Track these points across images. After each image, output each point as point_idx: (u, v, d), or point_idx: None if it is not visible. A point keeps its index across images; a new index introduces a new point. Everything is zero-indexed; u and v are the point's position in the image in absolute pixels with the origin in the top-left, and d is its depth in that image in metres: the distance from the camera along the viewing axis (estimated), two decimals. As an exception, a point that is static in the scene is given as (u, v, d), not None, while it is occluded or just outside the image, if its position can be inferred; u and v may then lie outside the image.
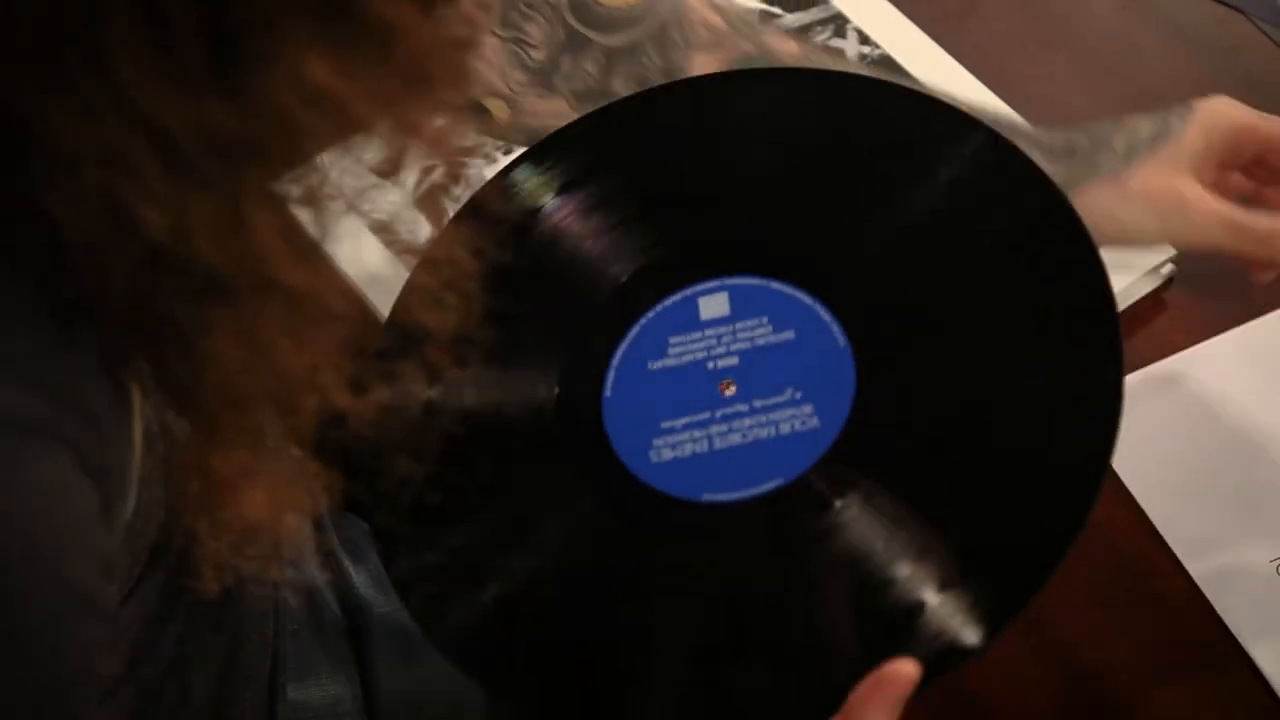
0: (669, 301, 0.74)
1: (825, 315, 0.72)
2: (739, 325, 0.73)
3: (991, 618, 0.65)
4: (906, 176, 0.73)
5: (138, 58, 0.49)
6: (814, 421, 0.70)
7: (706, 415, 0.72)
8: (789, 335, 0.72)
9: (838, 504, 0.68)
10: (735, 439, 0.71)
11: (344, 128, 0.54)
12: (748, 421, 0.71)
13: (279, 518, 0.61)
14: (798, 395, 0.71)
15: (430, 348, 0.68)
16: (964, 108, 0.76)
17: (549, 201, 0.78)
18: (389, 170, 0.57)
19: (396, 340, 0.72)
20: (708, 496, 0.70)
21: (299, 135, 0.52)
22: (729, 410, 0.72)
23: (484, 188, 0.79)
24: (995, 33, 1.08)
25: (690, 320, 0.74)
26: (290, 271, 0.54)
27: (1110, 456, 0.64)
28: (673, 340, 0.74)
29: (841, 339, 0.71)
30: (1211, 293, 0.97)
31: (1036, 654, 0.84)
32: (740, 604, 0.68)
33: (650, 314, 0.74)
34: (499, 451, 0.74)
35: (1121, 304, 0.96)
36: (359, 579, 0.88)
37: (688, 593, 0.69)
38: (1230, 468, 0.89)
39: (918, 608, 0.65)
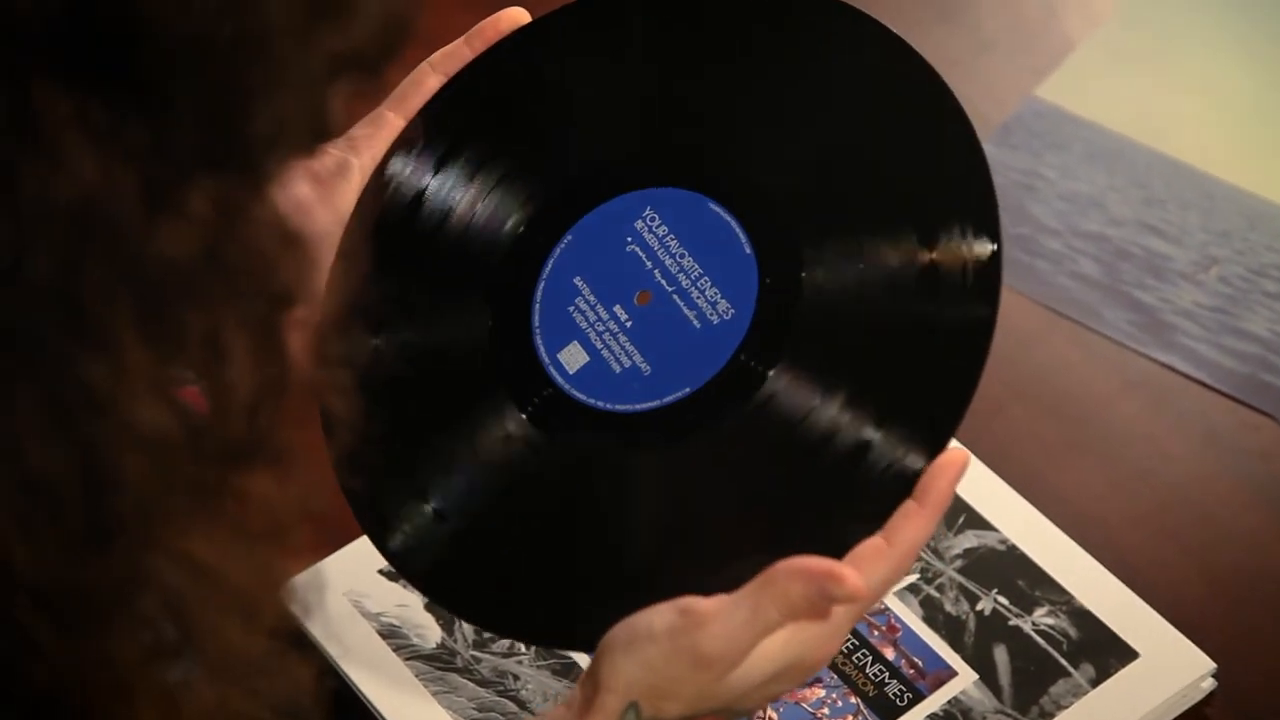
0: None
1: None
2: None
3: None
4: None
5: (20, 534, 0.51)
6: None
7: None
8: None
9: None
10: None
11: (210, 589, 0.56)
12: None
13: None
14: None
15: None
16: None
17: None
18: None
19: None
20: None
21: (175, 598, 0.54)
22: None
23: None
24: (1021, 435, 1.07)
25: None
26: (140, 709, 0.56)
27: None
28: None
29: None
30: (1257, 708, 0.94)
31: None
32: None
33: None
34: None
35: (1160, 720, 0.93)
36: None
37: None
38: None
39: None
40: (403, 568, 0.80)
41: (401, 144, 0.84)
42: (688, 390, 0.76)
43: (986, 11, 1.30)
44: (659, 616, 0.71)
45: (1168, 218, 1.19)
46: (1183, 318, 1.13)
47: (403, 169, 0.83)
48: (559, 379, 0.79)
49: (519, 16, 0.84)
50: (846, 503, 0.73)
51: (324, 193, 0.82)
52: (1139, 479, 1.05)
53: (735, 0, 0.82)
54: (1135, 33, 1.28)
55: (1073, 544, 0.99)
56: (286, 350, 0.55)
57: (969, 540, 0.99)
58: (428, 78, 0.84)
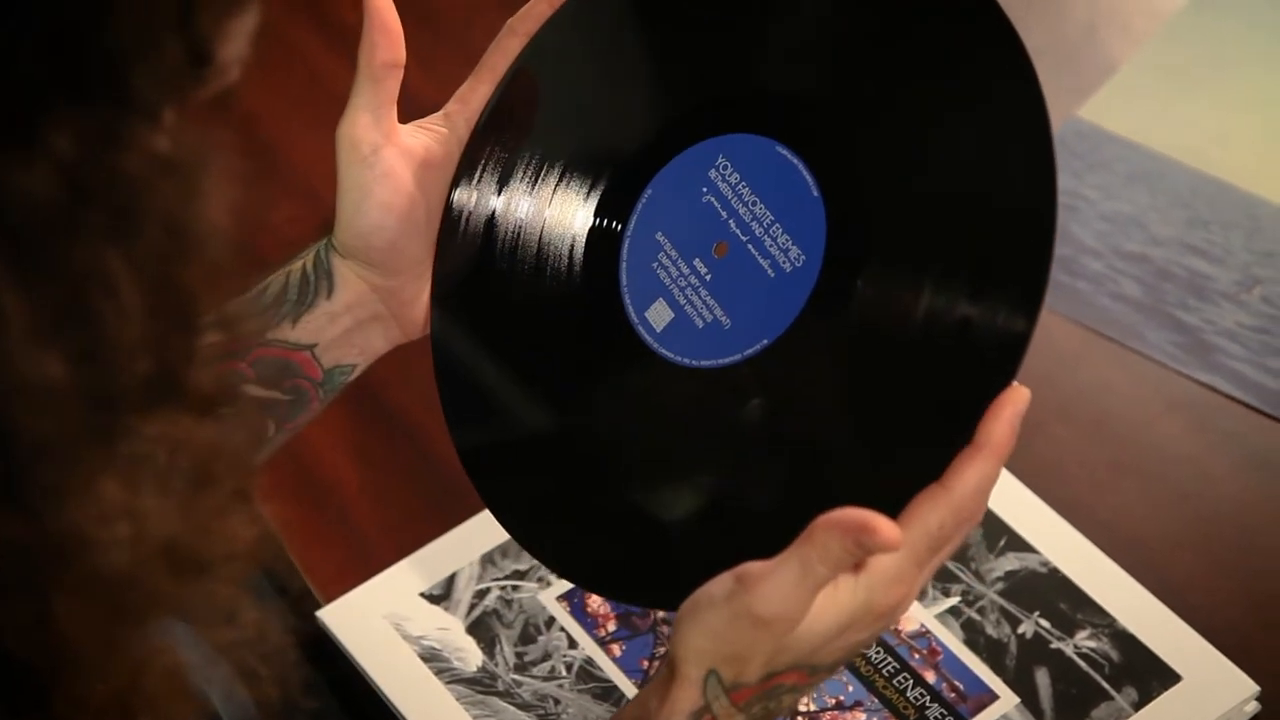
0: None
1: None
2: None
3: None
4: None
5: None
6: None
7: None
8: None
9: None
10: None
11: (140, 539, 0.54)
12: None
13: None
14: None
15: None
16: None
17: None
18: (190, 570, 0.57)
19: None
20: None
21: (93, 547, 0.53)
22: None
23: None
24: (1063, 457, 1.06)
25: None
26: (105, 667, 0.55)
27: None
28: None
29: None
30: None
31: None
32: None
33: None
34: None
35: (1205, 743, 0.92)
36: None
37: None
38: None
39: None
40: (489, 498, 0.81)
41: (462, 170, 0.84)
42: (765, 342, 0.77)
43: (1028, 31, 1.29)
44: (718, 584, 0.71)
45: (1210, 238, 1.19)
46: (1225, 338, 1.12)
47: (468, 199, 0.84)
48: (648, 338, 0.79)
49: None
50: (955, 399, 0.72)
51: (425, 172, 0.83)
52: (1181, 500, 1.04)
53: None
54: (1177, 53, 1.28)
55: (1114, 566, 0.98)
56: (189, 287, 0.53)
57: (1010, 563, 0.99)
58: (510, 40, 0.84)
